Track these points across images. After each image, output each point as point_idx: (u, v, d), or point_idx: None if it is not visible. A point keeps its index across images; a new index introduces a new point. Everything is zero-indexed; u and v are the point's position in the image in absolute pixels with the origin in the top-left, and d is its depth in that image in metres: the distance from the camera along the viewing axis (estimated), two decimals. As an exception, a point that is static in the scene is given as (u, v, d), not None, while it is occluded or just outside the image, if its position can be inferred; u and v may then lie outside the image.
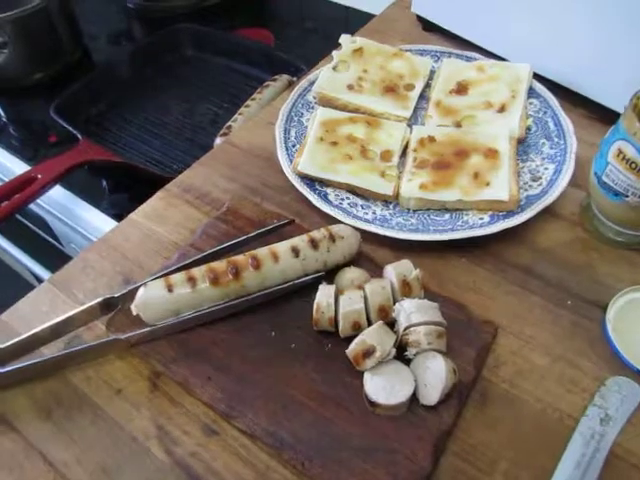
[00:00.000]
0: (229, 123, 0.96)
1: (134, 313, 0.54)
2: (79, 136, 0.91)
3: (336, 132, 0.71)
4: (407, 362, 0.51)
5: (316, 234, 0.57)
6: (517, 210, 0.63)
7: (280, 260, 0.56)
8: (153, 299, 0.53)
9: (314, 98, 0.79)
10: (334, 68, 0.80)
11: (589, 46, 0.73)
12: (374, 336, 0.49)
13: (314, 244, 0.57)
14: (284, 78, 1.04)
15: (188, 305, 0.54)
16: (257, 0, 1.34)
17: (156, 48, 1.17)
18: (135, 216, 0.69)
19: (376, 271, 0.59)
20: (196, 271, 0.55)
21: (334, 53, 0.81)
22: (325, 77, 0.78)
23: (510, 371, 0.54)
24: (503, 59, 0.82)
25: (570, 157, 0.67)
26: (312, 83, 0.80)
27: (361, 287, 0.54)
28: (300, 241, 0.57)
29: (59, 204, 0.92)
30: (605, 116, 0.74)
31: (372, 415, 0.49)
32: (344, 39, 0.83)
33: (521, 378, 0.53)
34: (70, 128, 0.93)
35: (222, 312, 0.55)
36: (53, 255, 1.14)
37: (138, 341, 0.54)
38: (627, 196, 0.57)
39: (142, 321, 0.55)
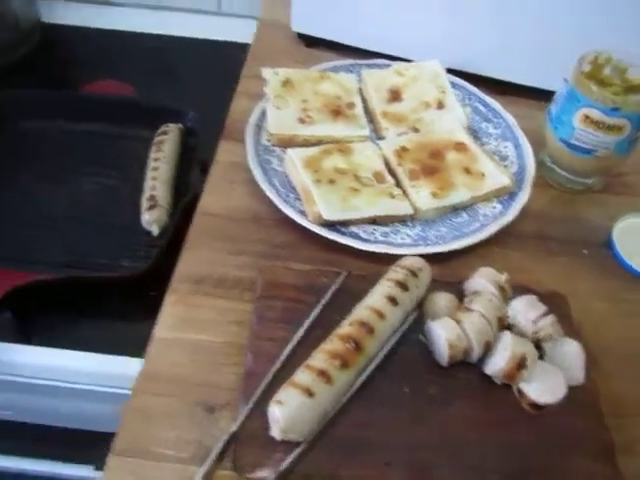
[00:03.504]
0: (149, 193, 0.84)
1: (279, 438, 0.46)
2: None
3: (322, 169, 0.69)
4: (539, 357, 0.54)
5: (398, 275, 0.56)
6: (516, 190, 0.70)
7: (386, 315, 0.53)
8: (300, 414, 0.46)
9: (268, 141, 0.74)
10: (275, 105, 0.76)
11: (485, 34, 0.83)
12: (518, 347, 0.52)
13: (404, 286, 0.55)
14: (173, 127, 0.95)
15: (331, 401, 0.49)
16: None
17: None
18: (162, 333, 0.57)
19: (443, 288, 0.60)
20: (317, 362, 0.49)
21: (265, 89, 0.77)
22: (274, 117, 0.74)
23: (590, 327, 0.61)
24: (402, 59, 0.88)
25: (518, 131, 0.77)
26: (257, 126, 0.75)
27: (468, 309, 0.55)
28: (389, 288, 0.55)
29: None
30: (507, 90, 0.86)
31: (539, 418, 0.52)
32: (267, 73, 0.79)
33: (600, 329, 0.61)
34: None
35: (357, 391, 0.51)
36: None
37: (292, 466, 0.47)
38: (597, 151, 0.69)
39: (276, 444, 0.47)
